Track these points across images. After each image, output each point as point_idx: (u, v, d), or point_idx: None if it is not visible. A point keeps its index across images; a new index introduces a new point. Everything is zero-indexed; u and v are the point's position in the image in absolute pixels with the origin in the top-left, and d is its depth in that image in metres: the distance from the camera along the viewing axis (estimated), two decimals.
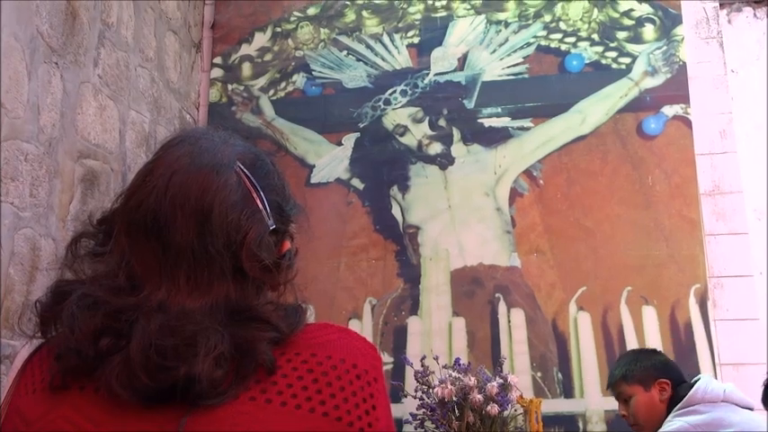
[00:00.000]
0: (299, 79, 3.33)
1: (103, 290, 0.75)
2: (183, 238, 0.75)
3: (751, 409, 2.03)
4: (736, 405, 2.02)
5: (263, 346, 0.72)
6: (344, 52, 3.33)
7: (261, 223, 0.79)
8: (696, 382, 2.09)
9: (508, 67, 3.20)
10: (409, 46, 3.29)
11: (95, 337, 0.71)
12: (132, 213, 0.78)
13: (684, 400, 2.04)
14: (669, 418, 2.06)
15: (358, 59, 3.31)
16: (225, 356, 0.70)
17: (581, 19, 3.19)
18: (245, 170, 0.80)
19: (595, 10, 3.20)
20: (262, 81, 3.35)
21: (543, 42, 3.20)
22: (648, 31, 3.14)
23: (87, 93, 2.42)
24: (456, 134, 3.16)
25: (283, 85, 3.34)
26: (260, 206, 0.79)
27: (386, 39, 3.32)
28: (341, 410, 0.71)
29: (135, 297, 0.74)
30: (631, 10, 3.17)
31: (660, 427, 2.07)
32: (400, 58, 3.29)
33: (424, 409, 2.43)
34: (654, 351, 2.37)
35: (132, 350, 0.69)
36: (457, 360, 2.51)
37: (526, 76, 3.18)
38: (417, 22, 3.32)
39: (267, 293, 0.79)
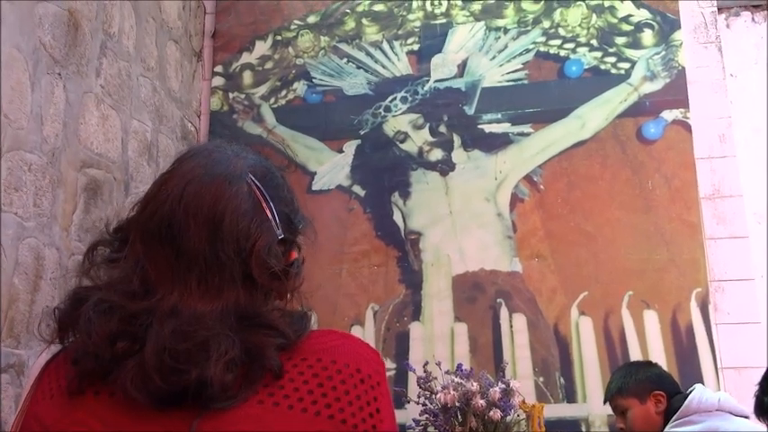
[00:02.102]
0: (300, 87, 3.35)
1: (119, 295, 0.77)
2: (196, 245, 0.78)
3: (746, 417, 2.03)
4: (731, 413, 2.03)
5: (271, 352, 0.74)
6: (345, 60, 3.35)
7: (270, 232, 0.81)
8: (690, 392, 2.10)
9: (508, 73, 3.21)
10: (409, 53, 3.31)
11: (111, 340, 0.74)
12: (148, 221, 0.81)
13: (679, 411, 2.04)
14: (665, 430, 2.06)
15: (358, 67, 3.33)
16: (235, 361, 0.72)
17: (580, 25, 3.21)
18: (256, 181, 0.83)
19: (594, 16, 3.21)
20: (263, 89, 3.37)
21: (542, 48, 3.21)
22: (647, 36, 3.16)
23: (90, 103, 2.44)
24: (456, 140, 3.17)
25: (284, 92, 3.35)
26: (269, 216, 0.82)
27: (386, 46, 3.33)
28: (345, 413, 0.73)
29: (149, 301, 0.76)
30: (630, 15, 3.19)
31: None
32: (400, 65, 3.30)
33: (426, 415, 2.44)
34: (649, 363, 2.36)
35: (147, 354, 0.72)
36: (459, 365, 2.51)
37: (526, 81, 3.19)
38: (417, 30, 3.33)
39: (274, 300, 0.81)
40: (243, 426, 0.71)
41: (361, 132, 3.24)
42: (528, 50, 3.22)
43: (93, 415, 0.75)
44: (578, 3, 3.23)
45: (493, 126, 3.16)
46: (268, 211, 0.82)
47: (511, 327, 2.91)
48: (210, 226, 0.78)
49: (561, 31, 3.22)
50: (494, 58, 3.24)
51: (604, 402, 2.29)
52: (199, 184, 0.81)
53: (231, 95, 3.38)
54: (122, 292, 0.77)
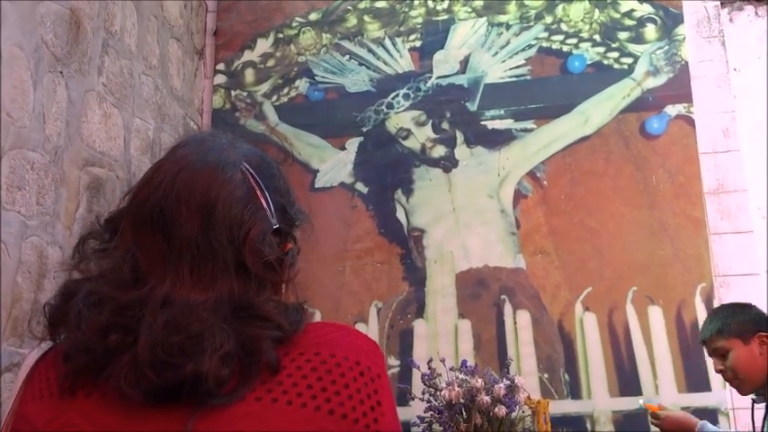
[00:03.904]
0: (302, 84, 3.34)
1: (109, 285, 0.75)
2: (188, 232, 0.76)
3: None
4: None
5: (267, 345, 0.72)
6: (347, 57, 3.34)
7: (264, 221, 0.79)
8: None
9: (510, 69, 3.20)
10: (411, 49, 3.30)
11: (103, 333, 0.72)
12: (139, 209, 0.79)
13: None
14: None
15: (360, 64, 3.32)
16: (230, 355, 0.70)
17: (582, 20, 3.20)
18: (250, 169, 0.82)
19: (596, 11, 3.20)
20: (265, 87, 3.36)
21: (545, 44, 3.21)
22: (650, 30, 3.14)
23: (92, 101, 2.44)
24: (459, 137, 3.16)
25: (286, 90, 3.35)
26: (264, 204, 0.80)
27: (388, 43, 3.33)
28: (346, 407, 0.71)
29: (140, 291, 0.74)
30: (632, 10, 3.18)
31: (762, 380, 1.99)
32: (402, 61, 3.30)
33: (431, 412, 2.43)
34: (750, 305, 2.20)
35: (140, 347, 0.70)
36: (463, 362, 2.51)
37: (528, 77, 3.18)
38: (419, 26, 3.33)
39: (269, 292, 0.79)
40: (240, 425, 0.69)
41: (364, 129, 3.23)
42: (530, 46, 3.21)
43: (84, 416, 0.72)
44: None
45: (496, 122, 3.15)
46: (262, 200, 0.80)
47: (515, 323, 2.90)
48: (203, 212, 0.77)
49: (563, 27, 3.21)
50: (496, 54, 3.23)
51: (700, 342, 2.20)
52: (191, 170, 0.79)
53: (233, 93, 3.38)
54: (113, 283, 0.75)
